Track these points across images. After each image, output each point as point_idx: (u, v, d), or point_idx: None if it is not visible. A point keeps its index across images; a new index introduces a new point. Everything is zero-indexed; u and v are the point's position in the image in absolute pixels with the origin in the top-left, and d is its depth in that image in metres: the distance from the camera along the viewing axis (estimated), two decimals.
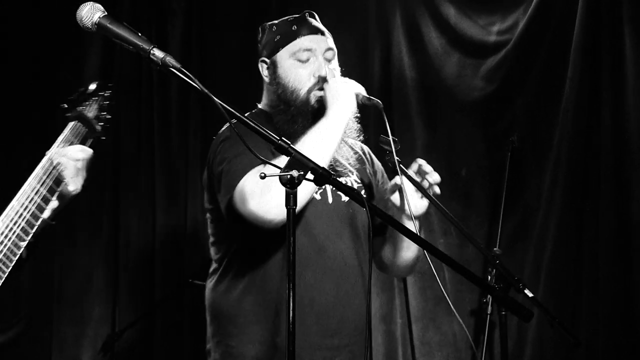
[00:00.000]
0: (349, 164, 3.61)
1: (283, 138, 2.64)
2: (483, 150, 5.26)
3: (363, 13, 5.44)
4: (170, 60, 2.57)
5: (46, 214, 2.96)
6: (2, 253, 2.82)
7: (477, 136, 5.28)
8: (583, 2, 4.78)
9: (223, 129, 3.52)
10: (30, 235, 2.86)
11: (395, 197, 3.48)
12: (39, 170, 2.92)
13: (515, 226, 5.05)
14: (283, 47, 3.59)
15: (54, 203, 2.97)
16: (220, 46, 5.69)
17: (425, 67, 5.38)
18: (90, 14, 2.62)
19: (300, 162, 2.62)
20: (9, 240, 2.83)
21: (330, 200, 3.49)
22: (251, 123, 2.63)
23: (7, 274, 2.82)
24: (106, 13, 2.64)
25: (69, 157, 2.94)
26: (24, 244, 2.85)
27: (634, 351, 4.49)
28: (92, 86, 3.18)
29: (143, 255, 5.57)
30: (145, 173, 5.62)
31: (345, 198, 3.50)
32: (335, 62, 3.63)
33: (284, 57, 3.58)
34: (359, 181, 3.61)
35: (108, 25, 2.61)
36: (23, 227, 2.85)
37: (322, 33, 3.64)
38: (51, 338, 5.46)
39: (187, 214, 5.53)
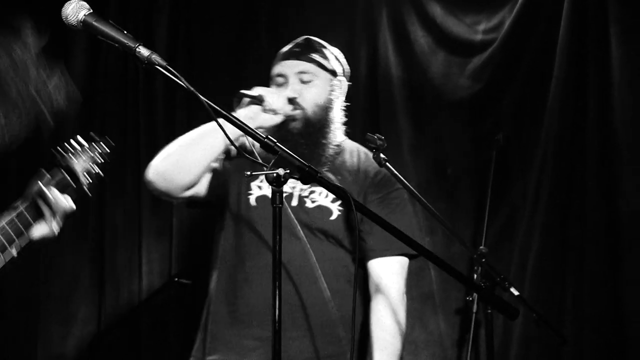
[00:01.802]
0: (337, 175, 3.71)
1: (269, 136, 2.64)
2: (469, 149, 5.26)
3: (349, 11, 5.44)
4: (156, 58, 2.58)
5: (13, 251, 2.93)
6: None
7: (463, 135, 5.28)
8: (569, 1, 4.78)
9: None
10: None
11: None
12: (11, 211, 2.89)
13: (501, 225, 5.05)
14: (271, 75, 3.92)
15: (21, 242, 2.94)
16: (207, 43, 5.68)
17: (411, 66, 5.38)
18: (76, 11, 2.62)
19: (287, 160, 2.63)
20: None
21: (294, 203, 3.66)
22: (237, 121, 2.64)
23: None
24: (91, 11, 2.64)
25: (56, 204, 2.91)
26: None
27: (620, 350, 4.50)
28: (91, 137, 3.16)
29: (129, 255, 5.56)
30: (132, 172, 5.60)
31: (311, 205, 3.64)
32: (319, 82, 3.84)
33: (271, 84, 3.90)
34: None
35: (93, 23, 2.61)
36: None
37: (299, 57, 3.86)
38: (37, 337, 5.44)
39: (172, 213, 5.52)
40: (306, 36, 4.02)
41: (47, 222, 2.91)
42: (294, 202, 3.63)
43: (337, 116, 3.95)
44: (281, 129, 3.74)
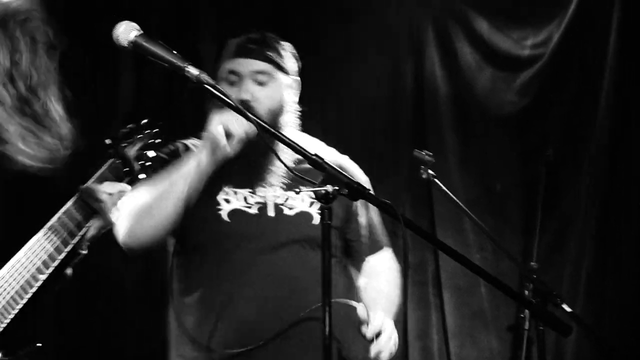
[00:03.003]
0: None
1: (317, 153, 2.64)
2: (517, 164, 5.24)
3: (395, 28, 5.44)
4: (204, 77, 2.59)
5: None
6: (19, 283, 2.82)
7: (511, 150, 5.27)
8: (618, 15, 4.76)
9: None
10: (51, 267, 2.86)
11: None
12: (69, 205, 2.93)
13: (552, 240, 5.02)
14: (219, 68, 3.58)
15: (87, 233, 2.98)
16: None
17: (458, 82, 5.37)
18: (126, 32, 2.65)
19: (335, 177, 2.62)
20: (27, 271, 2.83)
21: (271, 213, 3.45)
22: (284, 138, 2.64)
23: (24, 299, 2.83)
24: (142, 32, 2.66)
25: (104, 193, 2.95)
26: (43, 277, 2.86)
27: None
28: (142, 124, 3.17)
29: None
30: None
31: (290, 212, 3.46)
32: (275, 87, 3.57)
33: (219, 77, 3.54)
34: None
35: (144, 43, 2.63)
36: (44, 260, 2.85)
37: (254, 55, 3.56)
38: None
39: None
40: (260, 30, 3.76)
41: (101, 215, 2.94)
42: (271, 212, 3.43)
43: (291, 120, 3.62)
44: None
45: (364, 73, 5.39)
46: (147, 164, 3.17)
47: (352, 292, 3.55)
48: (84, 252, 3.02)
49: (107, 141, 3.08)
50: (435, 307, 5.22)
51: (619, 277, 4.69)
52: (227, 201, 3.48)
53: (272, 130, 2.63)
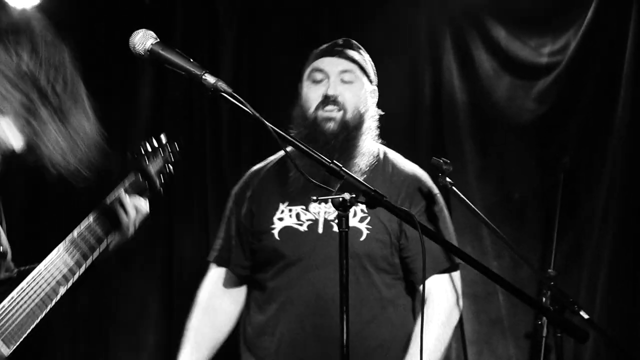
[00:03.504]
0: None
1: (334, 161, 2.64)
2: (535, 172, 5.23)
3: (413, 36, 5.44)
4: (222, 85, 2.59)
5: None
6: (39, 296, 2.83)
7: (529, 158, 5.25)
8: (635, 22, 4.75)
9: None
10: (71, 281, 2.87)
11: None
12: (91, 219, 2.94)
13: (570, 248, 5.00)
14: (305, 70, 3.71)
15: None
16: (270, 72, 5.72)
17: (476, 90, 5.36)
18: (143, 41, 2.65)
19: (352, 185, 2.62)
20: (47, 284, 2.85)
21: (320, 230, 3.52)
22: (303, 146, 2.64)
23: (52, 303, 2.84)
24: (158, 40, 2.67)
25: (131, 205, 2.97)
26: (62, 290, 2.87)
27: None
28: (162, 139, 3.18)
29: (197, 283, 5.59)
30: (198, 200, 5.64)
31: (321, 229, 3.52)
32: (362, 87, 3.69)
33: (304, 79, 3.70)
34: (365, 211, 3.55)
35: (160, 51, 2.64)
36: (65, 274, 2.87)
37: (341, 55, 3.68)
38: None
39: None
40: (344, 37, 3.81)
41: (123, 228, 2.96)
42: (320, 229, 3.51)
43: (373, 125, 3.72)
44: (313, 129, 3.57)
45: (381, 82, 5.37)
46: (166, 181, 3.18)
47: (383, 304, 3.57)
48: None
49: (130, 156, 3.09)
50: None
51: (636, 285, 4.67)
52: (281, 219, 3.53)
53: (289, 138, 2.64)
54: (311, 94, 3.65)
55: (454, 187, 3.53)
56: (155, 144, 3.14)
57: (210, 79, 2.59)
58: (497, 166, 5.29)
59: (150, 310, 5.57)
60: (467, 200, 3.54)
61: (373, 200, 2.65)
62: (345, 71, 3.66)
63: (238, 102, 2.60)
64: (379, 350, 3.51)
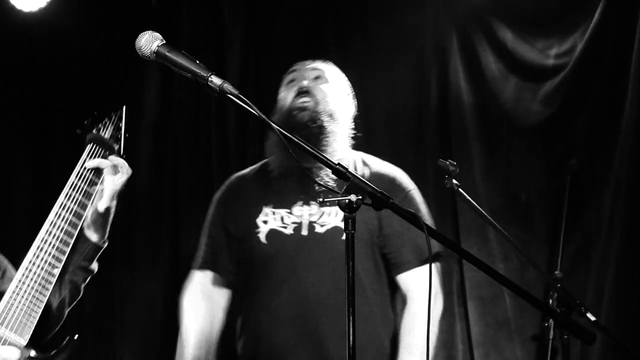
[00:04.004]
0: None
1: (340, 163, 2.64)
2: (542, 174, 5.22)
3: (419, 39, 5.44)
4: (227, 86, 2.58)
5: (92, 236, 3.02)
6: (44, 269, 2.88)
7: (536, 160, 5.25)
8: None
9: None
10: (69, 247, 2.92)
11: None
12: (67, 187, 3.02)
13: (576, 249, 5.00)
14: (281, 83, 3.90)
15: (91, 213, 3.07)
16: (277, 73, 5.71)
17: (482, 92, 5.36)
18: (149, 42, 2.65)
19: (358, 187, 2.62)
20: (49, 253, 2.90)
21: (305, 232, 3.56)
22: (308, 148, 2.64)
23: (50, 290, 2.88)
24: (164, 42, 2.67)
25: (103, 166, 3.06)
26: (63, 257, 2.92)
27: None
28: (105, 108, 3.24)
29: None
30: (205, 201, 5.64)
31: (322, 230, 3.55)
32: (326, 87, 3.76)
33: (281, 90, 3.85)
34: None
35: (166, 53, 2.64)
36: (62, 239, 2.92)
37: (314, 63, 3.84)
38: None
39: None
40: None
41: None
42: (304, 232, 3.56)
43: (347, 131, 3.77)
44: (288, 120, 3.64)
45: (388, 84, 5.39)
46: (125, 141, 3.23)
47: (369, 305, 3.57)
48: (104, 244, 3.11)
49: (78, 131, 3.15)
50: (460, 317, 5.21)
51: None
52: (265, 222, 3.57)
53: (295, 139, 2.63)
54: (286, 93, 3.77)
55: (460, 189, 3.52)
56: (100, 113, 3.21)
57: (216, 80, 2.59)
58: (503, 168, 5.29)
59: (155, 311, 5.58)
60: (473, 202, 3.53)
61: (379, 202, 2.64)
62: (317, 74, 3.79)
63: (244, 103, 2.59)
64: (365, 347, 3.50)
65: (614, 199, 4.81)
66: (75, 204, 2.99)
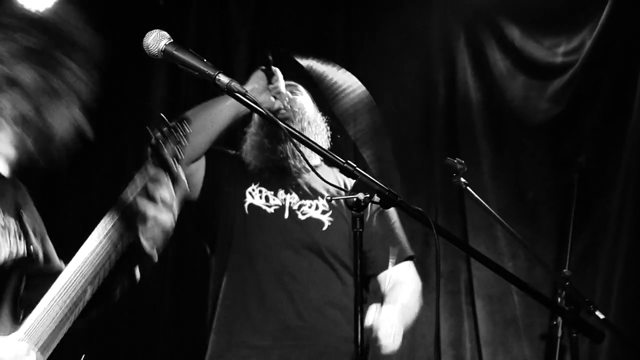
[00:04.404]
0: (324, 190, 3.74)
1: (348, 161, 2.64)
2: (550, 172, 5.22)
3: (427, 37, 5.43)
4: (235, 85, 2.58)
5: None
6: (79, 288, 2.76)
7: (543, 158, 5.24)
8: None
9: None
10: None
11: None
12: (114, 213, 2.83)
13: (585, 247, 4.99)
14: None
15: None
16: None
17: (490, 90, 5.36)
18: (157, 41, 2.65)
19: (366, 185, 2.62)
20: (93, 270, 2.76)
21: (286, 215, 3.66)
22: (316, 146, 2.64)
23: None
24: (172, 40, 2.66)
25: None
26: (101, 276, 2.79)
27: None
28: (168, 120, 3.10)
29: (208, 284, 5.57)
30: None
31: (303, 217, 3.66)
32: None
33: None
34: (327, 205, 3.70)
35: (174, 52, 2.63)
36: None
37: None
38: None
39: None
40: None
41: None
42: (286, 215, 3.65)
43: (324, 137, 3.86)
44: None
45: (395, 83, 5.39)
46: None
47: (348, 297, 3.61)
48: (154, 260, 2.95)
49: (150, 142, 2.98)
50: (468, 315, 5.20)
51: None
52: (252, 196, 3.62)
53: (303, 137, 2.64)
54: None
55: (468, 187, 3.52)
56: (166, 126, 3.04)
57: (224, 79, 2.59)
58: (511, 166, 5.28)
59: (160, 311, 5.57)
60: (481, 200, 3.53)
61: (387, 200, 2.64)
62: (290, 84, 3.89)
63: (251, 101, 2.59)
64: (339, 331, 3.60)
65: (622, 197, 4.81)
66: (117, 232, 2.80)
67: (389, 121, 5.38)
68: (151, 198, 2.70)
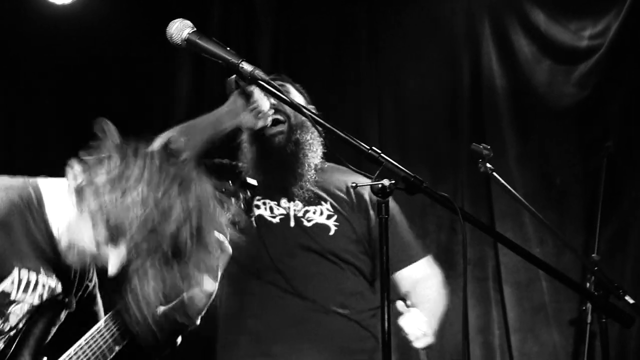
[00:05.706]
0: (328, 193, 3.69)
1: (373, 147, 2.62)
2: (577, 157, 5.19)
3: (451, 23, 5.41)
4: (259, 73, 2.58)
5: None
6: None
7: (570, 143, 5.21)
8: None
9: None
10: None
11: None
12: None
13: (614, 232, 4.96)
14: None
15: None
16: (308, 59, 5.70)
17: (515, 75, 5.33)
18: (180, 30, 2.65)
19: (391, 172, 2.60)
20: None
21: (292, 224, 3.61)
22: (340, 133, 2.63)
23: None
24: (195, 29, 2.66)
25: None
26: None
27: None
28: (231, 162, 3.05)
29: None
30: None
31: (309, 224, 3.61)
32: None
33: None
34: (331, 210, 3.65)
35: (197, 40, 2.63)
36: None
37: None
38: None
39: None
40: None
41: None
42: (292, 223, 3.61)
43: (316, 142, 3.74)
44: (266, 145, 3.61)
45: (420, 70, 5.38)
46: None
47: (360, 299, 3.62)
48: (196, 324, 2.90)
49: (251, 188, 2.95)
50: (496, 302, 5.19)
51: None
52: (257, 207, 3.60)
53: (326, 124, 2.63)
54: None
55: (494, 173, 3.49)
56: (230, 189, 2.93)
57: (247, 67, 2.59)
58: (538, 151, 5.26)
59: None
60: (508, 186, 3.51)
61: (412, 186, 2.62)
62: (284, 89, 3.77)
63: (275, 89, 2.59)
64: (350, 332, 3.60)
65: None
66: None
67: (415, 108, 5.38)
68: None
